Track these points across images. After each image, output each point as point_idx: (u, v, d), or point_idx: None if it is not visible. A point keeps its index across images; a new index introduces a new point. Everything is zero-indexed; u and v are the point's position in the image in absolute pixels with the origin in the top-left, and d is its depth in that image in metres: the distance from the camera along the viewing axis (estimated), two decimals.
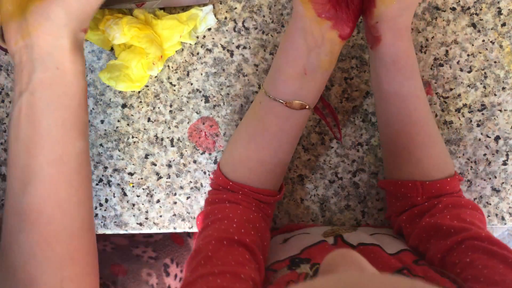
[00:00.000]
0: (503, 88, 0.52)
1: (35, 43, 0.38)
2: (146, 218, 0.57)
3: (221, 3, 0.52)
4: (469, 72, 0.52)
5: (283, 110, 0.43)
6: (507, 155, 0.53)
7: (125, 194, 0.56)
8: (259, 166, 0.46)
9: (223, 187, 0.47)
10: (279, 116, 0.44)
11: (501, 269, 0.36)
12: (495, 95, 0.52)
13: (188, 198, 0.56)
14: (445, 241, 0.41)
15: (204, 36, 0.53)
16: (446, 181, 0.45)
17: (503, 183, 0.54)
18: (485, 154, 0.54)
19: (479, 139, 0.53)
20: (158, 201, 0.56)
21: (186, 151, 0.55)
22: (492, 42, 0.51)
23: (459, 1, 0.51)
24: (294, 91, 0.43)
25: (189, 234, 0.78)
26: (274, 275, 0.41)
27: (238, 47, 0.53)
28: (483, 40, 0.52)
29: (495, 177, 0.54)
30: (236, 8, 0.52)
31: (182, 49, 0.53)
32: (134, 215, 0.57)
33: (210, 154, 0.55)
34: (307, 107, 0.43)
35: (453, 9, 0.51)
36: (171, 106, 0.55)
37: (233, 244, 0.40)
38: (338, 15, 0.39)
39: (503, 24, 0.51)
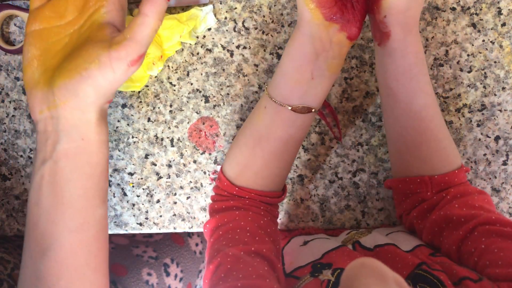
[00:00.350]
0: (503, 88, 0.52)
1: (61, 115, 0.38)
2: (146, 218, 0.57)
3: (221, 3, 0.52)
4: (469, 72, 0.52)
5: (290, 114, 0.43)
6: (507, 155, 0.53)
7: (125, 194, 0.56)
8: (265, 169, 0.46)
9: (228, 193, 0.47)
10: (285, 121, 0.44)
11: None
12: (495, 95, 0.52)
13: (188, 198, 0.56)
14: (457, 232, 0.41)
15: (204, 36, 0.53)
16: (454, 173, 0.45)
17: (503, 183, 0.54)
18: (485, 154, 0.54)
19: (479, 139, 0.53)
20: (158, 201, 0.56)
21: (186, 151, 0.55)
22: (492, 42, 0.51)
23: (459, 1, 0.51)
24: (300, 96, 0.42)
25: (189, 234, 0.78)
26: (298, 283, 0.41)
27: (238, 47, 0.53)
28: (483, 40, 0.52)
29: (495, 177, 0.54)
30: (236, 8, 0.52)
31: (182, 49, 0.53)
32: (134, 215, 0.57)
33: (210, 154, 0.55)
34: (313, 110, 0.43)
35: (453, 9, 0.51)
36: (171, 106, 0.55)
37: (251, 255, 0.40)
38: (345, 17, 0.39)
39: (503, 24, 0.51)
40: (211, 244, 0.43)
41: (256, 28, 0.53)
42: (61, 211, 0.38)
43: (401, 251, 0.43)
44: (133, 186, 0.56)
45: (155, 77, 0.54)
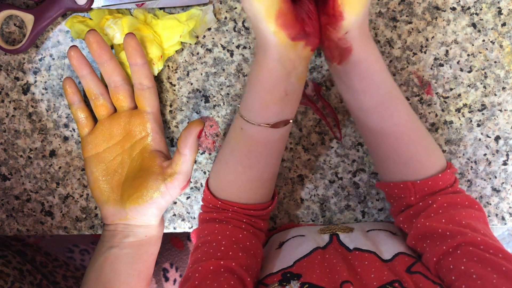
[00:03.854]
0: (503, 88, 0.52)
1: (132, 224, 0.50)
2: None
3: (221, 3, 0.52)
4: (469, 72, 0.52)
5: (268, 131, 0.43)
6: (507, 155, 0.53)
7: None
8: (248, 184, 0.46)
9: (212, 205, 0.48)
10: (265, 138, 0.44)
11: (495, 279, 0.36)
12: (495, 95, 0.52)
13: (188, 198, 0.56)
14: (440, 245, 0.41)
15: (204, 36, 0.53)
16: (438, 177, 0.44)
17: (503, 183, 0.54)
18: (485, 154, 0.54)
19: (479, 139, 0.53)
20: None
21: None
22: (492, 42, 0.51)
23: (459, 1, 0.51)
24: (277, 113, 0.42)
25: (189, 238, 0.78)
26: None
27: (238, 47, 0.53)
28: (483, 40, 0.51)
29: (495, 177, 0.54)
30: (236, 8, 0.52)
31: (182, 49, 0.53)
32: None
33: (210, 154, 0.55)
34: (291, 121, 0.43)
35: (453, 9, 0.51)
36: (171, 106, 0.55)
37: (220, 271, 0.41)
38: (307, 32, 0.38)
39: (503, 24, 0.51)
40: (191, 254, 0.46)
41: None
42: (116, 286, 0.48)
43: (380, 261, 0.43)
44: None
45: (155, 77, 0.54)
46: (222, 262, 0.42)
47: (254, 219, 0.47)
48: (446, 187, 0.45)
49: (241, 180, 0.46)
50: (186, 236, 0.78)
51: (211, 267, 0.41)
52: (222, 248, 0.44)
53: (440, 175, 0.44)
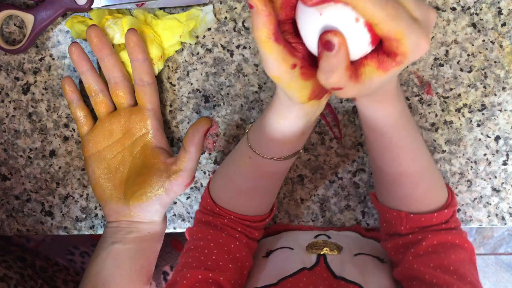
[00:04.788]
0: (503, 88, 0.52)
1: (135, 221, 0.50)
2: None
3: (221, 3, 0.52)
4: (469, 72, 0.52)
5: (278, 163, 0.42)
6: (507, 155, 0.53)
7: None
8: (249, 200, 0.46)
9: (210, 209, 0.47)
10: (274, 168, 0.43)
11: None
12: (495, 95, 0.52)
13: (188, 198, 0.56)
14: None
15: (204, 36, 0.53)
16: (433, 215, 0.44)
17: (503, 183, 0.54)
18: (485, 154, 0.54)
19: (479, 139, 0.53)
20: None
21: None
22: (492, 42, 0.51)
23: (459, 1, 0.51)
24: (291, 149, 0.41)
25: None
26: None
27: (238, 47, 0.53)
28: (483, 40, 0.52)
29: (495, 177, 0.54)
30: (236, 8, 0.52)
31: (182, 49, 0.53)
32: None
33: (210, 154, 0.55)
34: (301, 150, 0.42)
35: (453, 9, 0.51)
36: (171, 106, 0.55)
37: (207, 282, 0.41)
38: (321, 89, 0.34)
39: (503, 24, 0.51)
40: (182, 254, 0.46)
41: None
42: (118, 281, 0.48)
43: None
44: None
45: (155, 77, 0.54)
46: (210, 275, 0.42)
47: (249, 228, 0.47)
48: (439, 223, 0.44)
49: (243, 197, 0.46)
50: (186, 239, 0.78)
51: (200, 276, 0.42)
52: (213, 257, 0.44)
53: (435, 213, 0.44)
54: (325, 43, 0.28)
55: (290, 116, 0.37)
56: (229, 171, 0.46)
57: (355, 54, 0.29)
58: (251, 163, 0.43)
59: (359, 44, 0.29)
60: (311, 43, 0.30)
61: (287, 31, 0.31)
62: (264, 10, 0.28)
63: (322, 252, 0.47)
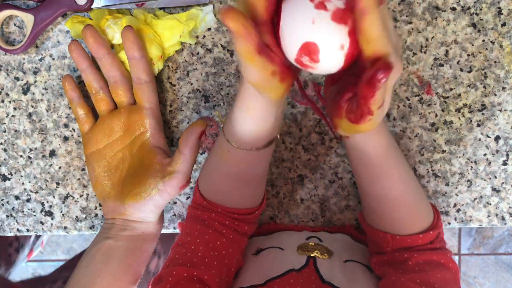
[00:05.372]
0: (503, 88, 0.52)
1: (129, 219, 0.50)
2: None
3: (221, 3, 0.52)
4: (469, 72, 0.52)
5: (256, 152, 0.42)
6: (507, 155, 0.53)
7: None
8: (236, 191, 0.47)
9: (199, 204, 0.48)
10: (253, 158, 0.43)
11: None
12: (495, 95, 0.52)
13: (188, 198, 0.56)
14: None
15: (204, 36, 0.53)
16: (418, 236, 0.44)
17: (503, 183, 0.54)
18: (485, 154, 0.54)
19: (479, 139, 0.53)
20: None
21: None
22: (492, 42, 0.51)
23: (459, 1, 0.51)
24: (266, 137, 0.41)
25: None
26: None
27: None
28: (483, 40, 0.51)
29: (495, 177, 0.54)
30: None
31: (182, 49, 0.53)
32: None
33: None
34: (278, 136, 0.43)
35: (453, 9, 0.51)
36: (171, 106, 0.55)
37: (192, 280, 0.42)
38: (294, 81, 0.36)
39: (503, 24, 0.51)
40: (172, 248, 0.46)
41: None
42: (103, 276, 0.47)
43: None
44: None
45: (155, 77, 0.54)
46: (195, 273, 0.42)
47: (237, 222, 0.47)
48: (425, 243, 0.45)
49: (229, 189, 0.46)
50: None
51: (185, 274, 0.42)
52: (199, 254, 0.44)
53: (421, 235, 0.44)
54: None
55: (261, 106, 0.38)
56: (212, 165, 0.47)
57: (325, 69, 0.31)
58: (231, 156, 0.43)
59: (332, 64, 0.31)
60: (291, 48, 0.30)
61: (266, 32, 0.31)
62: (244, 31, 0.28)
63: (312, 255, 0.47)
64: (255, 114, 0.39)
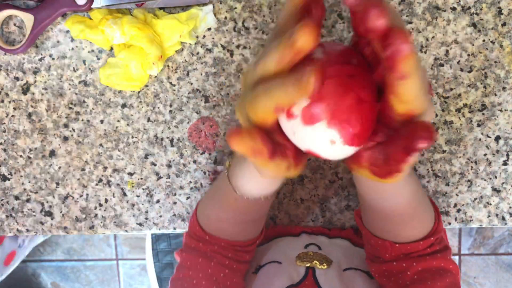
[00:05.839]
0: (504, 88, 0.52)
1: None
2: (146, 218, 0.57)
3: (221, 3, 0.52)
4: (469, 72, 0.52)
5: (264, 200, 0.42)
6: (507, 155, 0.53)
7: (124, 194, 0.56)
8: (241, 229, 0.46)
9: (199, 236, 0.47)
10: (261, 202, 0.43)
11: None
12: (495, 95, 0.52)
13: (188, 198, 0.56)
14: None
15: (204, 36, 0.53)
16: (419, 244, 0.43)
17: (503, 183, 0.54)
18: (485, 154, 0.53)
19: (480, 139, 0.53)
20: (158, 201, 0.56)
21: (186, 151, 0.55)
22: (493, 42, 0.51)
23: (460, 0, 0.51)
24: (276, 186, 0.40)
25: None
26: None
27: (238, 47, 0.53)
28: (484, 40, 0.51)
29: (496, 177, 0.54)
30: (236, 8, 0.52)
31: (182, 49, 0.53)
32: (134, 215, 0.57)
33: (210, 154, 0.55)
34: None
35: (454, 9, 0.51)
36: (171, 106, 0.54)
37: None
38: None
39: (504, 24, 0.51)
40: (171, 280, 0.45)
41: (256, 28, 0.53)
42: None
43: None
44: (133, 186, 0.56)
45: (155, 77, 0.54)
46: None
47: (240, 253, 0.47)
48: (424, 248, 0.44)
49: (232, 228, 0.46)
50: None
51: None
52: None
53: (421, 242, 0.43)
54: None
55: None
56: (216, 208, 0.45)
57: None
58: (239, 204, 0.42)
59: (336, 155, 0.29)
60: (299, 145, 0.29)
61: (274, 131, 0.29)
62: (253, 152, 0.27)
63: (311, 265, 0.47)
64: (265, 179, 0.38)
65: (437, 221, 0.45)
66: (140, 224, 0.57)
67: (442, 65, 0.52)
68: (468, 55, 0.52)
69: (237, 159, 0.41)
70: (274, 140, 0.29)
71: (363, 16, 0.23)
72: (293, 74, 0.25)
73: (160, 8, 0.52)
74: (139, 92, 0.54)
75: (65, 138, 0.55)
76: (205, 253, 0.46)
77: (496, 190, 0.54)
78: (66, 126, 0.55)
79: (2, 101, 0.55)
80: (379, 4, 0.23)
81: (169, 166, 0.55)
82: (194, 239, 0.47)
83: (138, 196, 0.56)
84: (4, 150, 0.56)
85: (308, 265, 0.47)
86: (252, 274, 0.48)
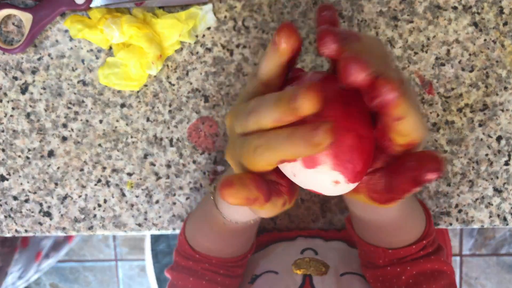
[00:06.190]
0: (505, 88, 0.52)
1: None
2: (145, 219, 0.56)
3: (220, 2, 0.52)
4: (470, 71, 0.52)
5: (254, 222, 0.42)
6: (509, 155, 0.53)
7: (123, 195, 0.56)
8: (231, 247, 0.46)
9: (189, 254, 0.47)
10: (250, 224, 0.42)
11: None
12: (497, 94, 0.52)
13: (187, 198, 0.56)
14: None
15: (204, 35, 0.53)
16: (411, 248, 0.43)
17: (505, 183, 0.54)
18: (487, 154, 0.53)
19: (481, 139, 0.53)
20: (157, 201, 0.56)
21: (185, 151, 0.55)
22: (494, 42, 0.51)
23: (461, 0, 0.51)
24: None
25: None
26: None
27: (238, 46, 0.53)
28: (485, 39, 0.51)
29: (497, 178, 0.53)
30: (236, 7, 0.52)
31: (182, 48, 0.53)
32: (133, 216, 0.56)
33: (209, 154, 0.55)
34: None
35: (455, 8, 0.51)
36: (170, 105, 0.54)
37: None
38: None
39: (505, 23, 0.51)
40: None
41: (256, 27, 0.52)
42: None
43: None
44: (132, 187, 0.55)
45: (154, 76, 0.53)
46: None
47: (232, 268, 0.46)
48: (417, 251, 0.43)
49: (222, 247, 0.46)
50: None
51: None
52: None
53: (414, 246, 0.43)
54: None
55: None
56: (204, 228, 0.45)
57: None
58: (227, 227, 0.42)
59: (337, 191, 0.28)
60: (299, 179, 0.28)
61: (269, 172, 0.28)
62: (247, 202, 0.26)
63: (308, 273, 0.47)
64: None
65: (428, 223, 0.45)
66: (139, 225, 0.56)
67: (443, 64, 0.52)
68: (470, 54, 0.51)
69: None
70: (267, 179, 0.28)
71: (343, 71, 0.22)
72: (301, 129, 0.23)
73: (160, 7, 0.52)
74: (138, 91, 0.54)
75: (64, 138, 0.55)
76: (196, 271, 0.45)
77: (497, 191, 0.54)
78: (64, 126, 0.55)
79: (1, 101, 0.55)
80: (358, 59, 0.22)
81: (168, 166, 0.55)
82: (184, 258, 0.47)
83: (137, 197, 0.56)
84: (3, 150, 0.55)
85: (305, 273, 0.47)
86: (248, 285, 0.48)
